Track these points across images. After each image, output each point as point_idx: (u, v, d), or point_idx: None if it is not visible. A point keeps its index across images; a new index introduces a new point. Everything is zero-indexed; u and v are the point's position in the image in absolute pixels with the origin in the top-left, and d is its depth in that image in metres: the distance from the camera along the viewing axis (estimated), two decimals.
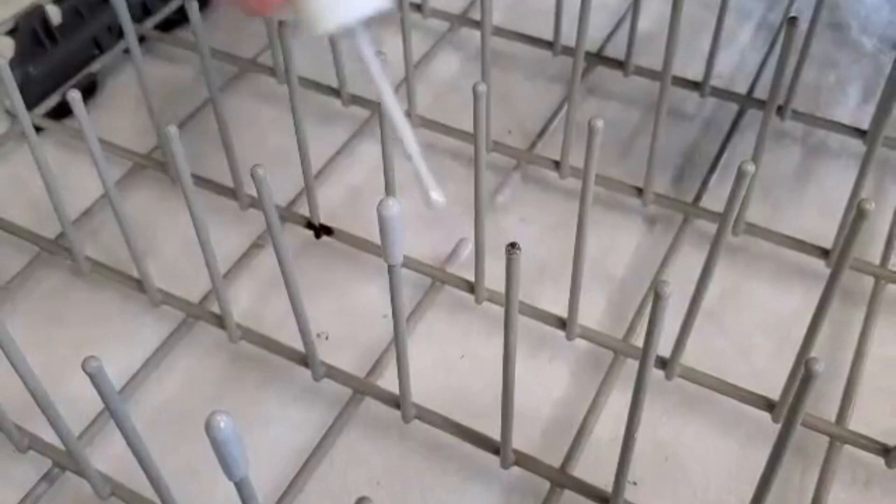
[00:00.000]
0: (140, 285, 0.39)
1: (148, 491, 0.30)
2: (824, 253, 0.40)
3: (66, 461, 0.34)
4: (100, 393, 0.25)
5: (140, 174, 0.46)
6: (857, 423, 0.34)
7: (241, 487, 0.22)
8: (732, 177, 0.30)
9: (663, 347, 0.33)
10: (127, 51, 0.46)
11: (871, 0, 0.54)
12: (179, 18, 0.54)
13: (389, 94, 0.25)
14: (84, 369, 0.24)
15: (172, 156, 0.32)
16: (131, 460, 0.28)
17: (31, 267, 0.42)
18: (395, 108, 0.25)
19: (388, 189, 0.40)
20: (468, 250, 0.42)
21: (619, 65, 0.49)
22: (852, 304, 0.39)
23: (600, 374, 0.36)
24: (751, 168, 0.29)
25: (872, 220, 0.30)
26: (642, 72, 0.48)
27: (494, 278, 0.38)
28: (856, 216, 0.27)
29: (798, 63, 0.43)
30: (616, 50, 0.50)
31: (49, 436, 0.32)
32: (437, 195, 0.25)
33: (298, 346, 0.36)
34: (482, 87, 0.32)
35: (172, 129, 0.31)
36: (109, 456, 0.35)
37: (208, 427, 0.19)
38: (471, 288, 0.39)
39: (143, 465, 0.28)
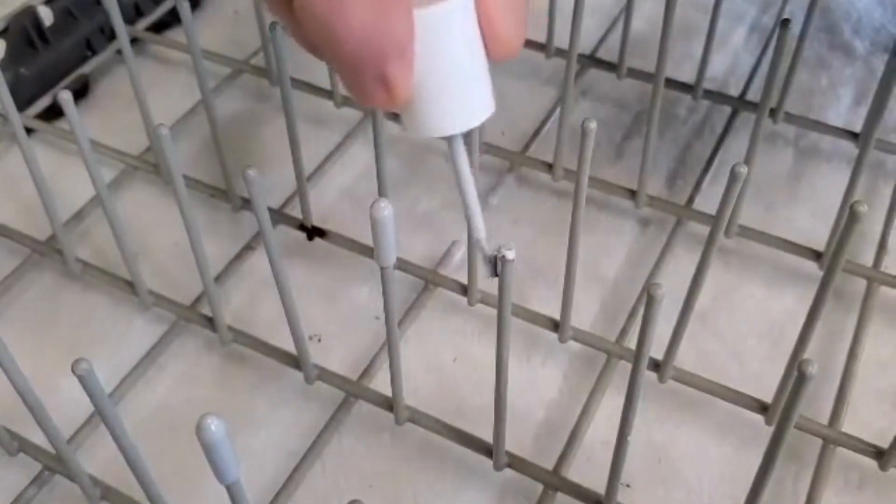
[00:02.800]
0: (131, 287, 0.39)
1: (139, 494, 0.30)
2: (817, 255, 0.40)
3: (56, 465, 0.33)
4: (89, 395, 0.25)
5: (132, 176, 0.46)
6: (851, 425, 0.34)
7: (233, 491, 0.22)
8: (725, 179, 0.30)
9: (656, 350, 0.33)
10: (119, 52, 0.46)
11: (864, 3, 0.54)
12: (172, 20, 0.54)
13: (476, 206, 0.26)
14: (74, 372, 0.24)
15: (164, 157, 0.32)
16: (122, 463, 0.27)
17: (21, 268, 0.41)
18: (477, 216, 0.26)
19: (381, 191, 0.40)
20: (461, 252, 0.41)
21: (613, 67, 0.49)
22: (845, 307, 0.39)
23: (593, 377, 0.36)
24: (744, 170, 0.29)
25: (865, 223, 0.30)
26: (635, 74, 0.48)
27: (487, 280, 0.38)
28: (849, 218, 0.27)
29: (791, 66, 0.43)
30: (609, 52, 0.50)
31: (39, 439, 0.32)
32: (495, 273, 0.26)
33: (290, 348, 0.35)
34: None
35: (164, 131, 0.31)
36: (100, 459, 0.34)
37: (199, 430, 0.19)
38: (464, 290, 0.39)
39: (134, 468, 0.28)
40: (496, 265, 0.26)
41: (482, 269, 0.27)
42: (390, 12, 0.21)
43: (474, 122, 0.24)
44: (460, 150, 0.25)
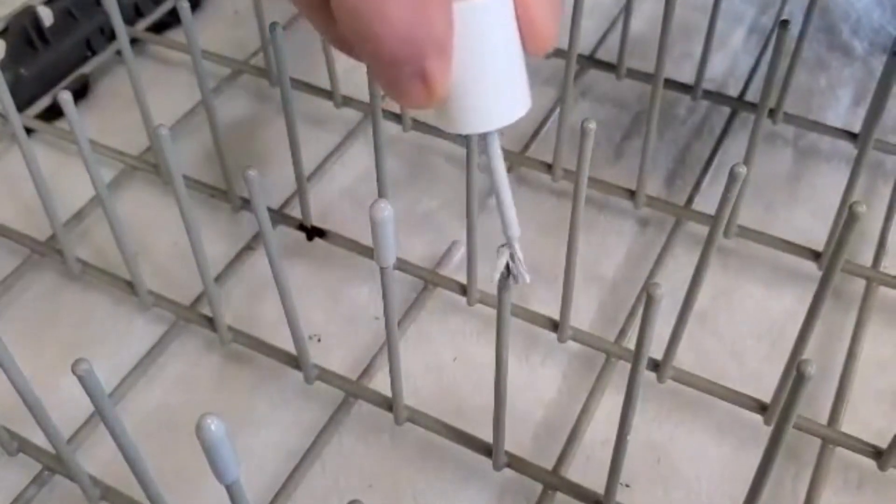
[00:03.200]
0: (131, 287, 0.39)
1: (139, 494, 0.30)
2: (816, 255, 0.40)
3: (56, 465, 0.33)
4: (90, 395, 0.25)
5: (132, 176, 0.46)
6: (850, 425, 0.34)
7: (233, 490, 0.22)
8: (724, 179, 0.30)
9: (655, 350, 0.34)
10: (119, 52, 0.46)
11: (862, 3, 0.54)
12: (171, 20, 0.54)
13: (509, 201, 0.26)
14: (74, 372, 0.24)
15: (164, 157, 0.32)
16: (122, 463, 0.28)
17: (21, 269, 0.41)
18: (510, 210, 0.26)
19: (381, 191, 0.40)
20: (461, 252, 0.42)
21: (612, 67, 0.49)
22: (844, 307, 0.39)
23: (592, 377, 0.36)
24: (743, 170, 0.29)
25: (864, 223, 0.30)
26: (635, 74, 0.48)
27: (487, 280, 0.38)
28: (848, 218, 0.28)
29: (789, 66, 0.43)
30: (608, 53, 0.50)
31: (39, 439, 0.32)
32: (526, 277, 0.26)
33: (290, 348, 0.35)
34: None
35: (164, 131, 0.31)
36: (100, 459, 0.34)
37: (199, 430, 0.19)
38: (463, 290, 0.39)
39: (134, 468, 0.28)
40: (516, 269, 0.26)
41: (518, 273, 0.27)
42: (430, 8, 0.21)
43: (512, 118, 0.24)
44: (496, 146, 0.25)
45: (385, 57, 0.22)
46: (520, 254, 0.26)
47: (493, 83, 0.23)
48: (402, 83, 0.22)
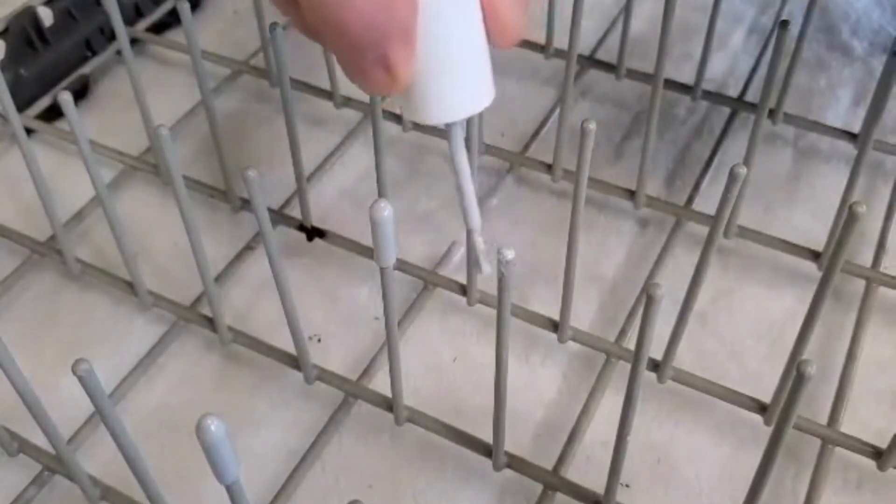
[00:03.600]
0: (131, 288, 0.39)
1: (139, 494, 0.30)
2: (816, 255, 0.40)
3: (56, 465, 0.33)
4: (90, 396, 0.25)
5: (132, 176, 0.46)
6: (849, 425, 0.34)
7: (233, 491, 0.22)
8: (724, 179, 0.30)
9: (655, 350, 0.34)
10: (119, 52, 0.46)
11: (862, 4, 0.54)
12: (171, 21, 0.54)
13: (471, 193, 0.26)
14: (74, 372, 0.24)
15: (164, 157, 0.32)
16: (122, 463, 0.28)
17: (21, 269, 0.41)
18: (473, 202, 0.26)
19: (381, 192, 0.40)
20: (460, 253, 0.42)
21: (612, 68, 0.49)
22: (844, 307, 0.39)
23: (592, 377, 0.36)
24: (743, 171, 0.29)
25: (864, 223, 0.30)
26: (634, 75, 0.48)
27: (487, 280, 0.38)
28: (847, 218, 0.28)
29: (789, 66, 0.43)
30: (608, 53, 0.50)
31: (39, 439, 0.32)
32: (487, 268, 0.26)
33: (290, 348, 0.35)
34: None
35: (164, 131, 0.31)
36: (100, 459, 0.34)
37: (199, 430, 0.19)
38: (463, 290, 0.39)
39: (134, 468, 0.28)
40: (495, 263, 0.26)
41: (477, 264, 0.27)
42: None
43: (475, 109, 0.24)
44: (459, 138, 0.25)
45: (349, 43, 0.22)
46: (482, 245, 0.26)
47: (456, 73, 0.23)
48: (366, 69, 0.22)
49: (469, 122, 0.33)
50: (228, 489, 0.21)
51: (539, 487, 0.33)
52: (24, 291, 0.41)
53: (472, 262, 0.27)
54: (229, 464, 0.20)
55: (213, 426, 0.19)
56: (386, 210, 0.24)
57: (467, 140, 0.34)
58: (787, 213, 0.43)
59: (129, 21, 0.52)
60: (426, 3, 0.22)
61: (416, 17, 0.22)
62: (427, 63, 0.23)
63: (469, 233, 0.26)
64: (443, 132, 0.48)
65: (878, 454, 0.33)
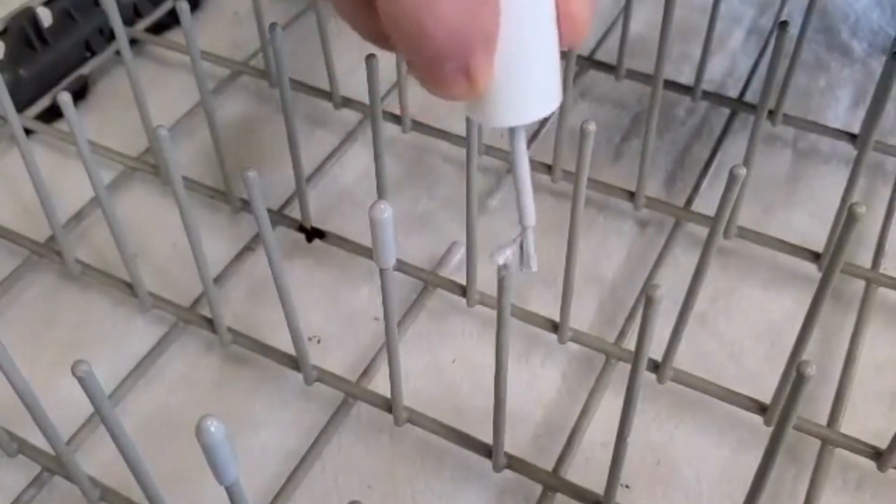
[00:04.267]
0: (131, 288, 0.39)
1: (139, 495, 0.30)
2: (816, 256, 0.40)
3: (56, 466, 0.33)
4: (89, 397, 0.25)
5: (131, 177, 0.46)
6: (849, 426, 0.34)
7: (232, 492, 0.22)
8: (724, 180, 0.30)
9: (655, 351, 0.34)
10: (118, 53, 0.46)
11: (861, 4, 0.54)
12: (171, 21, 0.54)
13: (529, 193, 0.26)
14: (74, 373, 0.24)
15: (163, 158, 0.32)
16: (122, 464, 0.27)
17: (20, 270, 0.41)
18: (530, 201, 0.26)
19: (380, 192, 0.40)
20: (460, 254, 0.41)
21: (611, 69, 0.49)
22: (844, 308, 0.39)
23: (592, 378, 0.36)
24: (742, 172, 0.29)
25: (863, 224, 0.30)
26: (634, 76, 0.49)
27: (486, 281, 0.38)
28: (847, 219, 0.28)
29: (789, 67, 0.43)
30: (608, 54, 0.50)
31: (39, 440, 0.32)
32: (534, 265, 0.26)
33: (290, 349, 0.35)
34: None
35: (163, 131, 0.31)
36: (100, 460, 0.34)
37: (198, 431, 0.19)
38: (463, 291, 0.39)
39: (133, 469, 0.28)
40: (526, 256, 0.26)
41: (520, 259, 0.27)
42: (483, 3, 0.21)
43: (545, 112, 0.24)
44: (522, 140, 0.25)
45: (430, 51, 0.21)
46: (533, 245, 0.26)
47: (531, 76, 0.23)
48: (445, 78, 0.22)
49: (469, 121, 0.33)
50: (228, 490, 0.21)
51: (539, 488, 0.33)
52: (24, 292, 0.41)
53: (524, 260, 0.26)
54: (229, 465, 0.20)
55: (213, 427, 0.19)
56: (386, 211, 0.24)
57: (467, 143, 0.34)
58: (787, 214, 0.43)
59: (128, 21, 0.52)
60: (507, 6, 0.21)
61: (499, 22, 0.21)
62: (503, 66, 0.22)
63: (524, 230, 0.26)
64: (442, 133, 0.48)
65: (877, 455, 0.33)
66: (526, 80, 0.23)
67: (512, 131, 0.24)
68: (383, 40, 0.23)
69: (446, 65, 0.22)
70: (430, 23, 0.21)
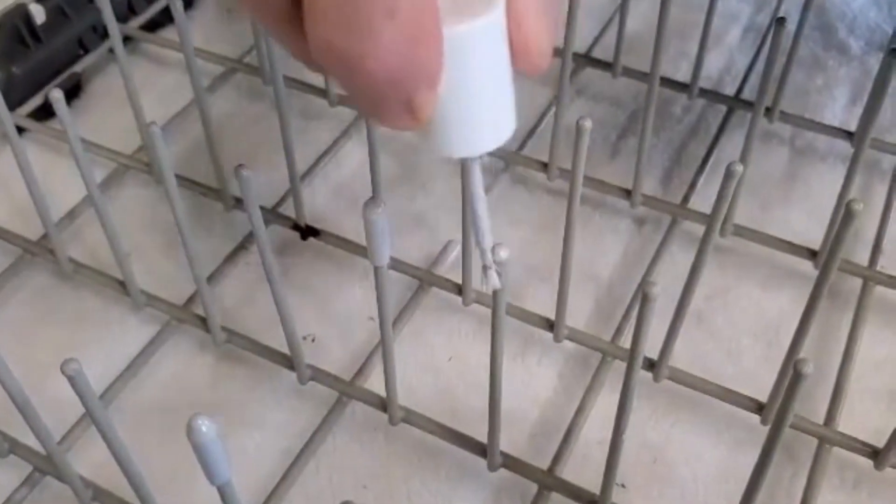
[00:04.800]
0: (124, 287, 0.39)
1: (132, 496, 0.29)
2: (812, 254, 0.40)
3: (47, 466, 0.33)
4: (79, 395, 0.25)
5: (124, 175, 0.46)
6: (846, 424, 0.34)
7: (224, 492, 0.21)
8: (720, 178, 0.29)
9: (651, 349, 0.33)
10: (112, 51, 0.46)
11: (859, 3, 0.54)
12: (165, 19, 0.54)
13: (486, 223, 0.25)
14: (63, 372, 0.24)
15: (156, 155, 0.31)
16: (115, 465, 0.27)
17: (13, 268, 0.41)
18: (487, 232, 0.25)
19: (375, 190, 0.40)
20: (456, 252, 0.41)
21: (608, 66, 0.49)
22: (841, 306, 0.39)
23: (588, 376, 0.36)
24: (739, 168, 0.29)
25: (860, 222, 0.30)
26: (631, 73, 0.48)
27: (482, 280, 0.38)
28: (844, 216, 0.27)
29: (786, 64, 0.43)
30: (604, 51, 0.50)
31: (31, 440, 0.31)
32: (496, 282, 0.25)
33: (284, 348, 0.35)
34: None
35: (155, 128, 0.31)
36: (93, 460, 0.34)
37: (190, 431, 0.19)
38: (458, 290, 0.39)
39: (125, 469, 0.27)
40: (491, 280, 0.25)
41: (483, 279, 0.26)
42: (424, 42, 0.20)
43: (495, 144, 0.23)
44: (477, 171, 0.24)
45: (369, 89, 0.20)
46: (493, 264, 0.25)
47: (478, 109, 0.22)
48: (386, 112, 0.21)
49: None
50: (220, 490, 0.21)
51: (534, 487, 0.33)
52: (16, 291, 0.41)
53: (488, 282, 0.26)
54: (221, 464, 0.20)
55: (205, 427, 0.19)
56: (379, 208, 0.24)
57: None
58: (783, 212, 0.43)
59: (122, 18, 0.52)
60: (451, 42, 0.20)
61: (442, 60, 0.20)
62: (448, 99, 0.21)
63: (482, 253, 0.25)
64: None
65: (875, 453, 0.33)
66: (474, 113, 0.22)
67: (464, 162, 0.24)
68: (314, 64, 0.22)
69: (386, 101, 0.21)
70: (370, 62, 0.20)
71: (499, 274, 0.25)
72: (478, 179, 0.24)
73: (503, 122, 0.23)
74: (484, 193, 0.25)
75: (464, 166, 0.24)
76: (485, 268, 0.26)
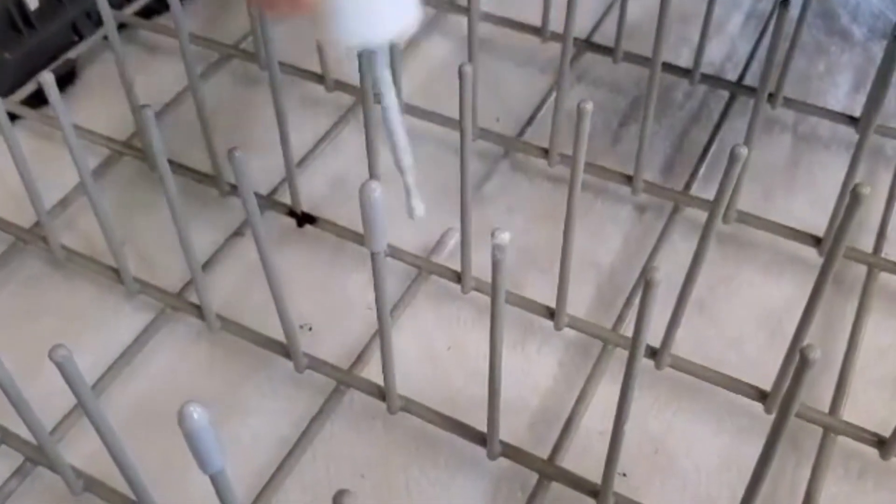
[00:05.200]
0: (117, 275, 0.38)
1: (124, 486, 0.29)
2: (817, 241, 0.39)
3: (38, 456, 0.33)
4: (68, 382, 0.24)
5: (118, 162, 0.45)
6: (851, 413, 0.34)
7: (217, 481, 0.21)
8: (723, 165, 0.29)
9: (653, 337, 0.33)
10: (106, 37, 0.45)
11: None
12: (160, 7, 0.53)
13: (400, 129, 0.24)
14: (52, 358, 0.23)
15: (149, 139, 0.31)
16: (108, 455, 0.27)
17: (6, 256, 0.41)
18: (402, 138, 0.24)
19: (372, 176, 0.39)
20: (455, 240, 0.41)
21: (609, 51, 0.48)
22: (845, 294, 0.39)
23: (589, 364, 0.36)
24: (744, 151, 0.28)
25: (865, 209, 0.29)
26: (632, 58, 0.48)
27: (481, 268, 0.37)
28: (850, 201, 0.27)
29: (788, 50, 0.42)
30: (605, 36, 0.49)
31: (22, 430, 0.31)
32: (420, 209, 0.24)
33: (280, 336, 0.35)
34: (468, 68, 0.32)
35: (148, 111, 0.30)
36: (86, 450, 0.34)
37: (181, 418, 0.19)
38: (457, 278, 0.38)
39: (117, 458, 0.27)
40: (412, 203, 0.24)
41: (410, 207, 0.25)
42: None
43: (396, 31, 0.22)
44: (384, 67, 0.23)
45: None
46: (413, 186, 0.24)
47: None
48: None
49: (463, 105, 0.32)
50: (213, 479, 0.21)
51: (534, 476, 0.33)
52: (8, 280, 0.41)
53: (407, 206, 0.25)
54: (213, 453, 0.19)
55: (196, 413, 0.19)
56: (376, 191, 0.24)
57: (462, 123, 0.33)
58: (786, 201, 0.43)
59: (117, 5, 0.51)
60: None
61: None
62: None
63: (401, 171, 0.24)
64: (435, 118, 0.47)
65: (880, 443, 0.33)
66: None
67: (363, 56, 0.23)
68: None
69: None
70: None
71: (417, 206, 0.24)
72: (387, 79, 0.23)
73: (402, 7, 0.22)
74: (396, 101, 0.24)
75: (363, 60, 0.23)
76: (407, 193, 0.24)
